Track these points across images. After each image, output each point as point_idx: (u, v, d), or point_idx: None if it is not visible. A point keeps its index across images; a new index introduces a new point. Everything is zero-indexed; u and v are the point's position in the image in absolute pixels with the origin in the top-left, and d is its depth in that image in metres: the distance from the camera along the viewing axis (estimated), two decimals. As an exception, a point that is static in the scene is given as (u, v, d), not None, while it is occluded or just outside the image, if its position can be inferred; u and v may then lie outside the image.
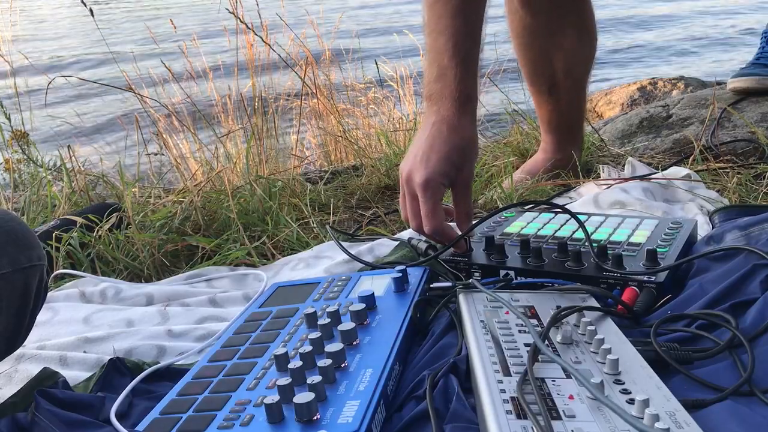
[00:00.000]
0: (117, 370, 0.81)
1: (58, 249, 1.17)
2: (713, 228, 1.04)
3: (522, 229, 1.05)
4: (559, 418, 0.55)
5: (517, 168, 1.50)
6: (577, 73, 1.40)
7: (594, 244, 0.92)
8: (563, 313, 0.73)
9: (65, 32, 7.03)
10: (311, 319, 0.82)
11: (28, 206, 1.46)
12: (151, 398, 0.77)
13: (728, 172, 1.34)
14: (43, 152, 2.17)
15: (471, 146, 0.96)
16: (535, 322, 0.75)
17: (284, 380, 0.65)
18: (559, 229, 1.04)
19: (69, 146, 1.72)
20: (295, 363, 0.68)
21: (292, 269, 1.12)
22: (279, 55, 2.10)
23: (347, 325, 0.76)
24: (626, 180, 1.28)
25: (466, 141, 0.95)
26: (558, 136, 1.45)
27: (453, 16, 0.94)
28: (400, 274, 0.89)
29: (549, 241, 0.99)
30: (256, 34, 2.07)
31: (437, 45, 0.95)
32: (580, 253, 0.90)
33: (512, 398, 0.58)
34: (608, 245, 0.93)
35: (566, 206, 1.09)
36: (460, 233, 0.97)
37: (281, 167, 1.75)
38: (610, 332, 0.72)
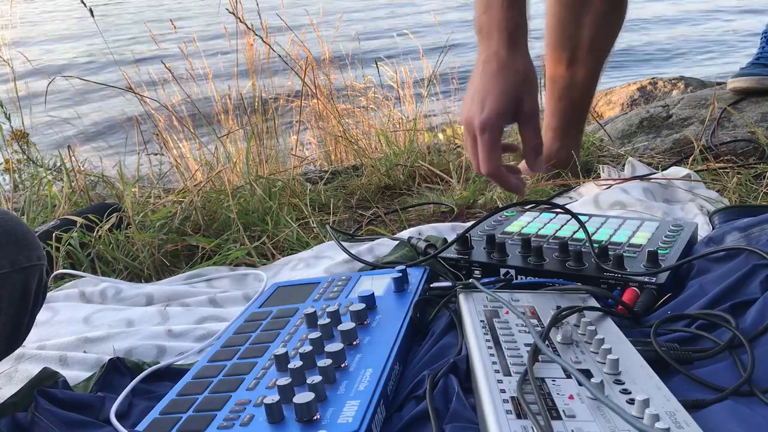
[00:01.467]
0: (117, 370, 0.81)
1: (58, 249, 1.17)
2: (713, 229, 1.04)
3: (523, 228, 1.05)
4: (559, 418, 0.55)
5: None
6: (599, 47, 1.38)
7: (595, 245, 0.92)
8: (564, 313, 0.73)
9: (65, 32, 7.03)
10: (311, 319, 0.82)
11: (28, 206, 1.46)
12: (151, 398, 0.77)
13: (728, 172, 1.34)
14: (43, 152, 2.17)
15: (527, 78, 0.94)
16: (535, 322, 0.75)
17: (284, 380, 0.65)
18: (559, 229, 1.04)
19: (69, 146, 1.72)
20: (295, 363, 0.68)
21: (292, 269, 1.12)
22: (279, 55, 2.10)
23: (347, 325, 0.76)
24: (626, 180, 1.28)
25: (521, 74, 0.93)
26: (562, 121, 1.44)
27: None
28: (400, 274, 0.90)
29: (550, 240, 0.99)
30: (256, 34, 2.07)
31: None
32: (581, 253, 0.90)
33: (512, 398, 0.58)
34: (609, 246, 0.93)
35: (566, 206, 1.09)
36: (516, 180, 0.96)
37: (281, 167, 1.75)
38: (611, 332, 0.72)
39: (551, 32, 1.41)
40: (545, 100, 1.49)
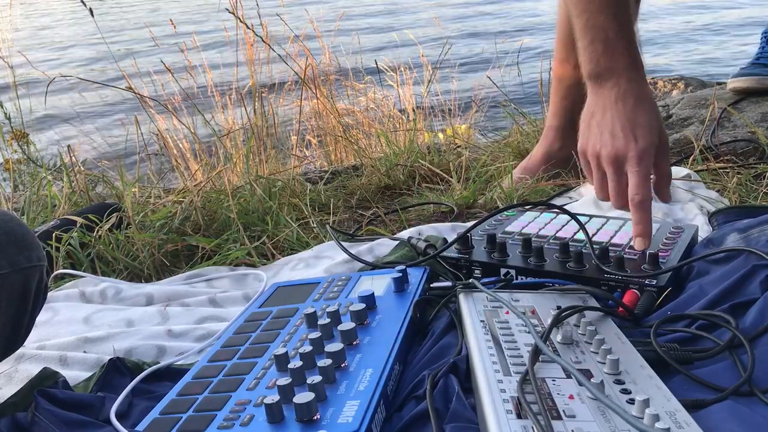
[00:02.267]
0: (117, 370, 0.81)
1: (58, 249, 1.17)
2: (713, 230, 1.04)
3: (523, 228, 1.05)
4: (559, 418, 0.55)
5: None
6: None
7: (595, 246, 0.92)
8: (565, 313, 0.73)
9: (65, 32, 7.03)
10: (311, 319, 0.82)
11: (28, 206, 1.46)
12: (151, 398, 0.77)
13: (728, 172, 1.34)
14: (43, 152, 2.17)
15: (658, 109, 0.96)
16: (535, 322, 0.75)
17: (284, 380, 0.65)
18: (560, 229, 1.04)
19: (69, 146, 1.72)
20: (295, 363, 0.68)
21: (292, 269, 1.12)
22: (279, 55, 2.10)
23: (347, 325, 0.76)
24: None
25: (655, 106, 0.96)
26: (564, 121, 1.44)
27: None
28: (400, 274, 0.89)
29: (550, 241, 0.99)
30: (255, 34, 2.07)
31: (596, 23, 0.96)
32: (582, 254, 0.90)
33: (512, 398, 0.58)
34: (610, 247, 0.93)
35: (566, 207, 1.09)
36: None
37: (281, 167, 1.75)
38: (611, 332, 0.73)
39: (561, 31, 1.41)
40: (550, 98, 1.49)
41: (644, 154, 0.91)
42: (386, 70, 2.56)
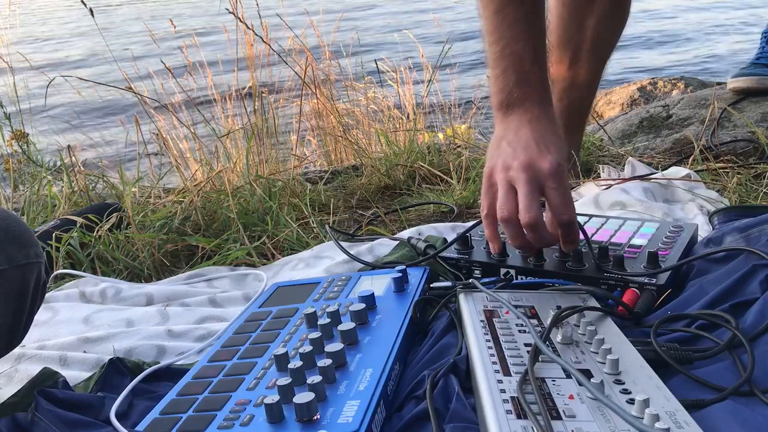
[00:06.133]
0: (117, 370, 0.81)
1: (58, 249, 1.17)
2: (713, 229, 1.04)
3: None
4: (559, 418, 0.55)
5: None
6: (601, 48, 1.38)
7: (595, 246, 0.92)
8: (565, 313, 0.73)
9: (65, 32, 7.03)
10: (311, 319, 0.82)
11: (28, 206, 1.47)
12: (151, 398, 0.77)
13: (728, 172, 1.34)
14: (43, 152, 2.17)
15: (563, 139, 0.94)
16: (535, 322, 0.75)
17: (284, 380, 0.65)
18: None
19: (69, 146, 1.72)
20: (295, 363, 0.68)
21: (292, 269, 1.12)
22: (279, 55, 2.10)
23: (347, 325, 0.76)
24: (626, 180, 1.28)
25: (562, 136, 0.93)
26: (562, 122, 1.43)
27: (525, 21, 0.93)
28: (400, 274, 0.90)
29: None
30: (255, 34, 2.07)
31: (514, 50, 0.93)
32: (582, 253, 0.90)
33: (512, 398, 0.58)
34: (609, 246, 0.93)
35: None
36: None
37: (281, 167, 1.75)
38: (611, 332, 0.73)
39: (554, 32, 1.41)
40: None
41: (560, 168, 0.87)
42: (386, 70, 2.56)
